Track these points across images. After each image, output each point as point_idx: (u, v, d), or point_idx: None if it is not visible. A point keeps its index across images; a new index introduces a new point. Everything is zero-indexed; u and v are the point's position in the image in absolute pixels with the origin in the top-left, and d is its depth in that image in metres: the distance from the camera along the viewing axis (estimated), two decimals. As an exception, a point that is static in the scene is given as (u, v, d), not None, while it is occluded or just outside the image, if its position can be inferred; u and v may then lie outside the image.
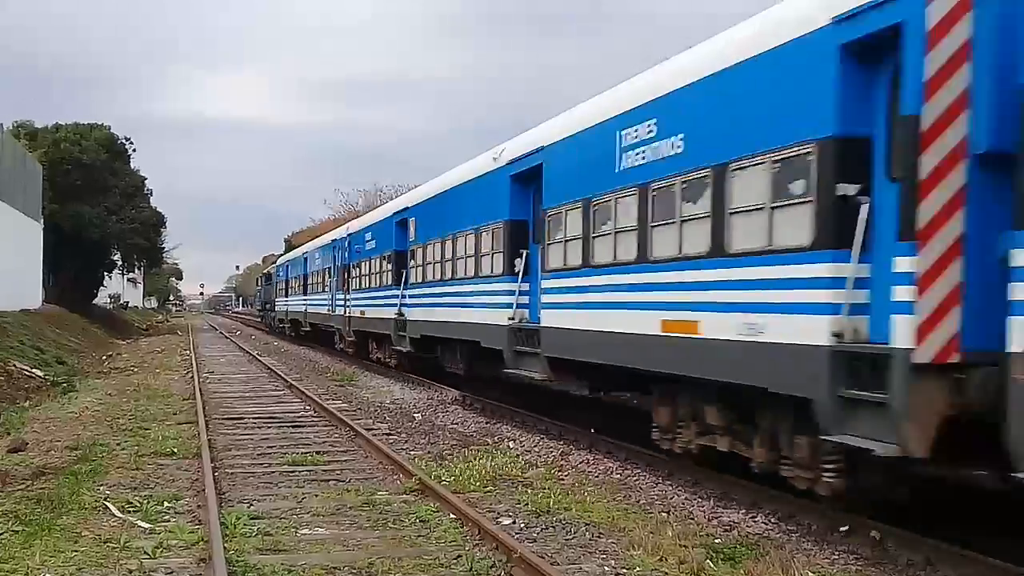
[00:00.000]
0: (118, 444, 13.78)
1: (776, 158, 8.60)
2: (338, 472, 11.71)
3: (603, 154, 12.03)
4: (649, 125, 10.97)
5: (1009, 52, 6.82)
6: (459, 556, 7.96)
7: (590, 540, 8.57)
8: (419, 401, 20.14)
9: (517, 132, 16.56)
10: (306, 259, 43.28)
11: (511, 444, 14.07)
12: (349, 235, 32.21)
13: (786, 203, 8.50)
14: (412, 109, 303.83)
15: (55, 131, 50.15)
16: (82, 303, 52.53)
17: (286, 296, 51.08)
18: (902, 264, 7.24)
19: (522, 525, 9.09)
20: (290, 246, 77.85)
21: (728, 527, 9.10)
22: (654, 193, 10.78)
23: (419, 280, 21.88)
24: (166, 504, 9.91)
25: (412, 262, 22.45)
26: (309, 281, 41.69)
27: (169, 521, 9.23)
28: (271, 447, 13.63)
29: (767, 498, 9.88)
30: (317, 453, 12.91)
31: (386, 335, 25.34)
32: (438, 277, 20.09)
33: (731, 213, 9.27)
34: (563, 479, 11.34)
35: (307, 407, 18.63)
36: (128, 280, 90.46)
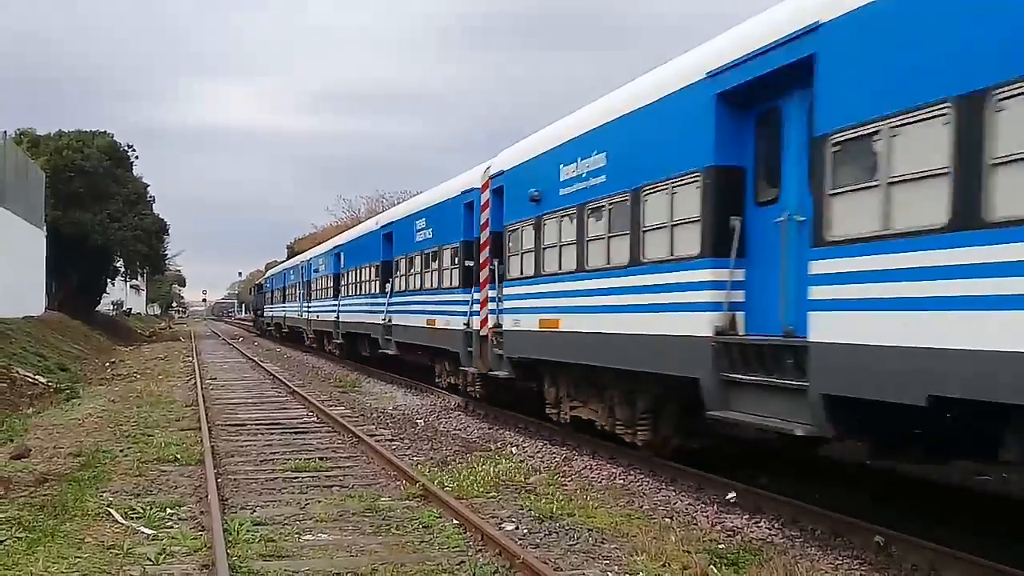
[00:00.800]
0: (121, 450, 13.78)
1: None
2: (341, 478, 11.71)
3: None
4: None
5: None
6: (462, 562, 7.95)
7: (593, 546, 8.56)
8: (422, 407, 20.14)
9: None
10: (284, 274, 55.74)
11: (514, 450, 14.07)
12: (311, 260, 43.48)
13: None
14: (416, 118, 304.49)
15: (58, 138, 50.20)
16: (85, 310, 52.55)
17: (271, 304, 62.98)
18: None
19: (525, 531, 9.08)
20: (292, 252, 78.10)
21: (731, 532, 9.08)
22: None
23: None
24: (169, 510, 9.90)
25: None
26: (286, 292, 53.31)
27: (172, 527, 9.23)
28: (274, 453, 13.63)
29: (770, 503, 9.87)
30: (320, 459, 12.91)
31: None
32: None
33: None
34: (566, 485, 11.33)
35: (310, 413, 18.63)
36: (131, 287, 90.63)
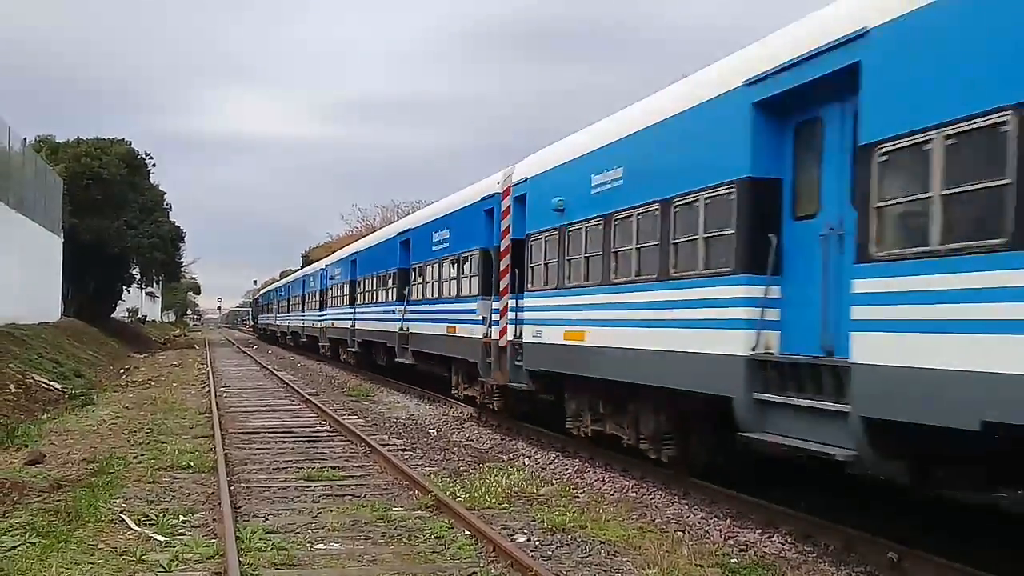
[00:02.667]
0: (135, 457, 13.83)
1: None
2: (353, 487, 11.72)
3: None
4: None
5: None
6: (473, 573, 7.95)
7: (605, 558, 8.53)
8: (434, 417, 20.14)
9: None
10: (276, 291, 69.55)
11: (526, 461, 14.05)
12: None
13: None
14: (431, 128, 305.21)
15: (76, 145, 50.55)
16: (100, 316, 52.85)
17: (265, 314, 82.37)
18: None
19: (537, 542, 9.06)
20: (307, 261, 78.50)
21: (744, 547, 9.04)
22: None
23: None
24: (182, 518, 9.93)
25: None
26: (278, 306, 67.14)
27: (185, 535, 9.24)
28: (287, 462, 13.65)
29: (784, 518, 9.82)
30: (332, 468, 12.92)
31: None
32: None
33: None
34: (578, 497, 11.31)
35: (323, 422, 18.66)
36: (146, 294, 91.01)
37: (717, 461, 11.47)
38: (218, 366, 38.34)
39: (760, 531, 9.61)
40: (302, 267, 72.00)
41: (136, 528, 9.40)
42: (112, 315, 60.55)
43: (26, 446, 14.69)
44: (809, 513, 9.71)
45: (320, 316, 42.87)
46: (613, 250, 12.28)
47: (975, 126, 6.62)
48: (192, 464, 13.18)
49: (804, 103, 9.01)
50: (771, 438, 8.88)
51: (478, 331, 18.02)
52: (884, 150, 7.46)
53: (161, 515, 9.92)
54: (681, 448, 11.68)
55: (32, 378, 23.49)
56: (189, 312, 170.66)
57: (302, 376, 33.36)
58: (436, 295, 21.88)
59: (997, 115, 6.41)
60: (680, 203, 10.62)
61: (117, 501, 10.67)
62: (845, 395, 7.87)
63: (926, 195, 7.00)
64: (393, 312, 26.30)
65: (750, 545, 9.10)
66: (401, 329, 25.20)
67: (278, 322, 65.60)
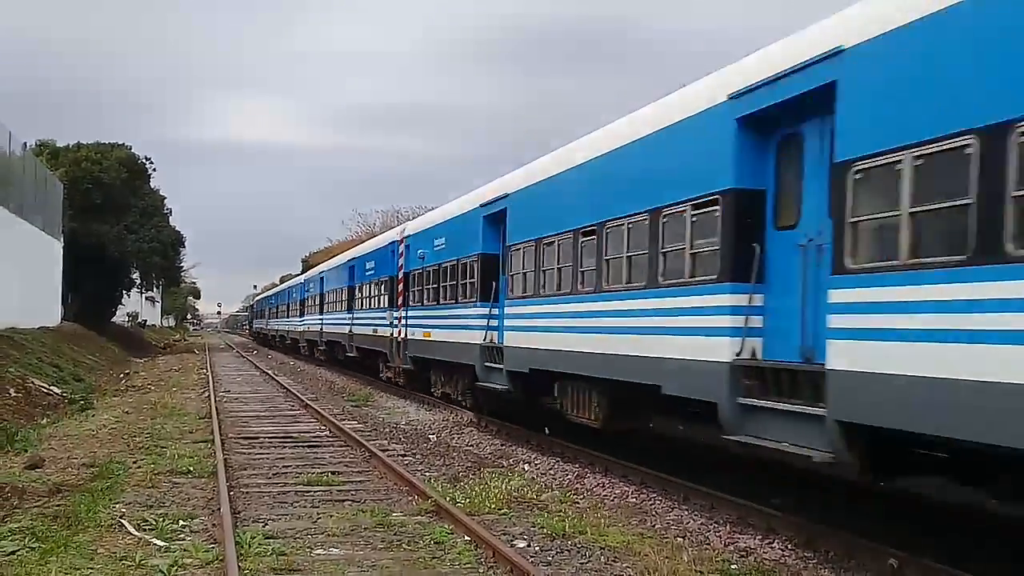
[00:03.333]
0: (134, 462, 13.82)
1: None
2: (353, 492, 11.71)
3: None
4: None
5: None
6: (473, 579, 7.94)
7: (605, 564, 8.52)
8: (434, 422, 20.13)
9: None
10: (267, 298, 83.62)
11: (526, 467, 14.04)
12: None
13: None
14: (435, 134, 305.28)
15: (76, 150, 50.59)
16: (100, 321, 52.82)
17: (258, 319, 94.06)
18: None
19: (537, 548, 9.06)
20: (307, 266, 78.62)
21: (744, 553, 9.04)
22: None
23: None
24: (181, 522, 9.92)
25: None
26: (269, 312, 77.23)
27: (184, 539, 9.24)
28: (286, 467, 13.64)
29: (784, 524, 9.82)
30: (332, 473, 12.91)
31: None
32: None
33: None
34: (578, 502, 11.30)
35: (322, 427, 18.64)
36: (146, 298, 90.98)
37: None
38: (218, 371, 38.32)
39: (760, 537, 9.60)
40: (302, 272, 72.61)
41: (136, 533, 9.40)
42: (112, 319, 60.54)
43: (26, 451, 14.68)
44: (809, 519, 9.70)
45: (300, 321, 53.16)
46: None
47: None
48: (192, 469, 13.17)
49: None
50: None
51: (386, 331, 26.22)
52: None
53: (161, 520, 9.91)
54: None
55: (32, 382, 23.48)
56: (189, 317, 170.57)
57: (302, 381, 33.35)
58: (368, 306, 30.45)
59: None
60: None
61: (117, 506, 10.66)
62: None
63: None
64: (344, 318, 35.32)
65: (750, 551, 9.10)
66: (349, 331, 33.90)
67: (269, 327, 76.84)
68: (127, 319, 75.23)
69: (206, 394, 25.55)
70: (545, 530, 9.71)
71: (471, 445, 16.62)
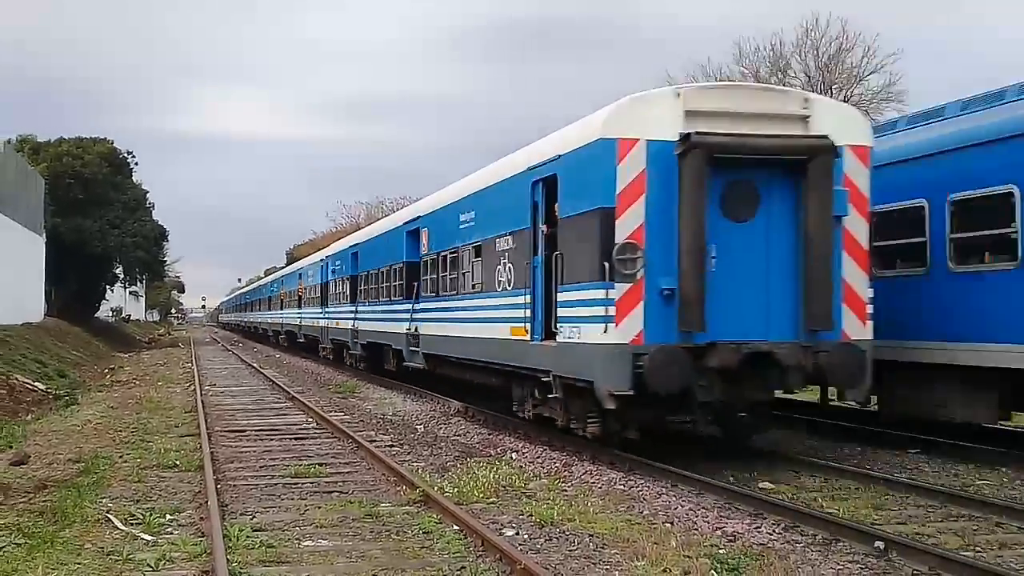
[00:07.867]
0: (120, 457, 13.77)
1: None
2: (341, 484, 11.69)
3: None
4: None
5: None
6: (462, 568, 7.95)
7: (594, 551, 8.55)
8: (421, 413, 20.11)
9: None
10: (244, 293, 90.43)
11: (514, 455, 14.05)
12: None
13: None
14: (416, 126, 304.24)
15: (57, 145, 50.32)
16: (84, 316, 52.61)
17: (234, 312, 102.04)
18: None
19: (525, 536, 9.07)
20: (292, 258, 78.45)
21: (732, 537, 9.06)
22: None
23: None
24: (168, 516, 9.90)
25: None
26: (246, 306, 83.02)
27: (172, 533, 9.22)
28: (273, 459, 13.61)
29: (771, 508, 9.87)
30: (320, 465, 12.89)
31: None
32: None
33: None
34: (566, 490, 11.32)
35: (309, 419, 18.61)
36: (130, 293, 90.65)
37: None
38: (203, 364, 38.20)
39: (748, 521, 9.63)
40: (287, 264, 72.47)
41: (123, 527, 9.37)
42: (96, 315, 60.33)
43: (10, 447, 14.63)
44: (796, 502, 9.74)
45: (265, 315, 60.98)
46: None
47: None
48: (178, 463, 13.14)
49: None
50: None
51: (346, 324, 31.06)
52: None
53: (148, 514, 9.88)
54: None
55: (16, 379, 23.37)
56: (173, 311, 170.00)
57: (287, 373, 33.28)
58: (327, 304, 35.66)
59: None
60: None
61: (103, 501, 10.63)
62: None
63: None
64: (320, 313, 37.98)
65: (738, 535, 9.12)
66: (299, 322, 42.75)
67: (245, 320, 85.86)
68: (111, 314, 74.97)
69: (191, 388, 25.48)
70: (533, 518, 9.72)
71: (458, 434, 16.61)
